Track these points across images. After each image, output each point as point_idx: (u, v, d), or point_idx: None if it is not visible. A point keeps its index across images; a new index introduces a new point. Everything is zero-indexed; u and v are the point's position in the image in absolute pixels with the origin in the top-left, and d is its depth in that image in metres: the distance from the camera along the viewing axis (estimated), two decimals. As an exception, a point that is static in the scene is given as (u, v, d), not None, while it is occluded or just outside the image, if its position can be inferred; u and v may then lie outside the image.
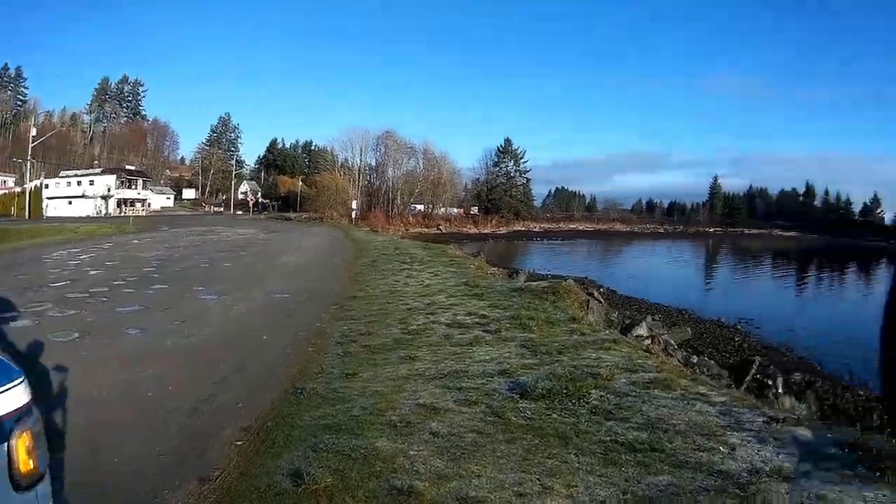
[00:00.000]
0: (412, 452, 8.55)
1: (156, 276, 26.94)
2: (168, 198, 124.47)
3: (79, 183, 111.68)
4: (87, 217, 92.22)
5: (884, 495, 7.02)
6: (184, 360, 13.65)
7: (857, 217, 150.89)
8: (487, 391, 11.28)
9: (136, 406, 10.57)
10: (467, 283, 27.12)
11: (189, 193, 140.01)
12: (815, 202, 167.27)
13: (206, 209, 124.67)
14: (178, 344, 14.97)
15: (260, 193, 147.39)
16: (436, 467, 8.10)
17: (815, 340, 41.21)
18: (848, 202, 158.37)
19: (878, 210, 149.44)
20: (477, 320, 18.28)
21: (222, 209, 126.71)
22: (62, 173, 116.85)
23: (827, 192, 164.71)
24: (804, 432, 9.14)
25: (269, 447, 9.00)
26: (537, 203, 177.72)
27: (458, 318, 18.73)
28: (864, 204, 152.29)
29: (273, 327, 17.43)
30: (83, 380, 11.37)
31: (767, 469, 7.84)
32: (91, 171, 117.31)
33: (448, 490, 7.45)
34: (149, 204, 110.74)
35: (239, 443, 9.26)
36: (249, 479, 7.93)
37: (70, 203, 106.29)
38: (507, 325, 17.20)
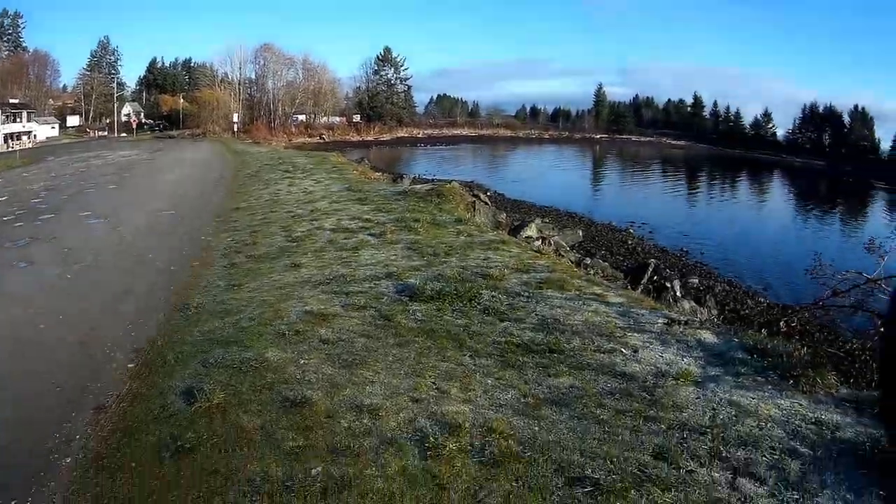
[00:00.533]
0: (302, 361, 8.50)
1: (43, 206, 25.41)
2: (53, 127, 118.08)
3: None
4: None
5: (800, 404, 7.07)
6: (71, 289, 13.12)
7: (748, 131, 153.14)
8: (375, 295, 11.23)
9: (28, 342, 10.11)
10: (350, 188, 26.88)
11: (73, 121, 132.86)
12: (704, 113, 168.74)
13: (91, 135, 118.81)
14: (65, 273, 14.30)
15: (143, 114, 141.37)
16: (327, 375, 8.07)
17: (711, 246, 42.16)
18: (738, 116, 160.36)
19: (770, 125, 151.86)
20: (362, 224, 18.16)
21: (106, 133, 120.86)
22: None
23: (716, 105, 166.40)
24: (709, 336, 9.22)
25: (161, 367, 8.81)
26: (420, 110, 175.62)
27: (343, 223, 18.59)
28: (756, 118, 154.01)
29: (158, 246, 16.91)
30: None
31: (673, 372, 7.94)
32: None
33: (342, 399, 7.43)
34: (34, 136, 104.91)
35: (131, 366, 9.03)
36: (144, 403, 7.75)
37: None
38: (393, 228, 17.11)
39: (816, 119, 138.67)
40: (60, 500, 6.01)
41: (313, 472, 5.99)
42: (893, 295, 6.11)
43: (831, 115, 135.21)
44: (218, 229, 18.96)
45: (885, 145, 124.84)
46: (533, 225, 26.18)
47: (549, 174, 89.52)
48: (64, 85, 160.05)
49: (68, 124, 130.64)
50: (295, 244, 15.98)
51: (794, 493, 5.51)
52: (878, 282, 9.45)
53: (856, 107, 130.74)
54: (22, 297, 12.46)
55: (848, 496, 5.45)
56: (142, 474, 6.25)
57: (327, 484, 5.77)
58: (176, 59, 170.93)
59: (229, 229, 18.82)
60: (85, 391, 8.29)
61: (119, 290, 12.70)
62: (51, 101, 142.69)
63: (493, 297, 10.88)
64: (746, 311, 24.94)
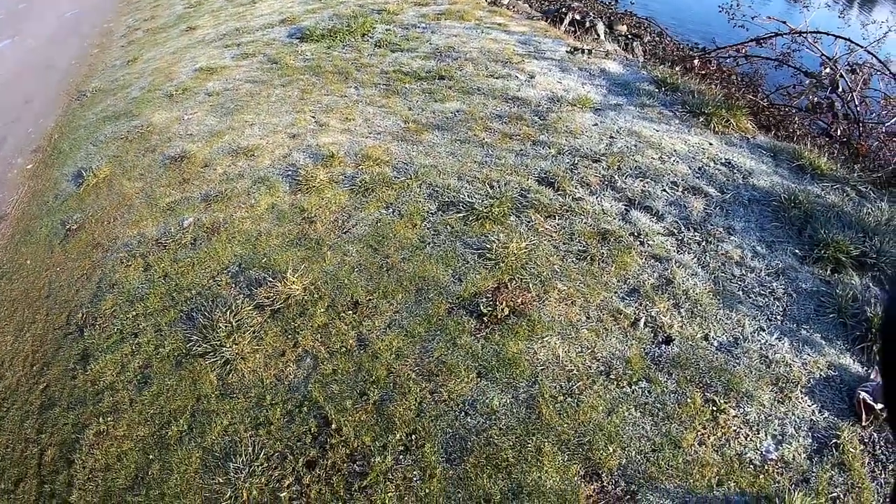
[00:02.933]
0: (186, 117, 7.81)
1: None
2: None
3: None
4: None
5: (710, 143, 6.31)
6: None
7: None
8: (266, 41, 10.32)
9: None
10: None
11: None
12: None
13: None
14: None
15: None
16: (209, 126, 7.42)
17: None
18: None
19: None
20: (258, -24, 16.83)
21: None
22: None
23: None
24: (614, 66, 8.25)
25: (56, 158, 8.04)
26: None
27: (239, -22, 17.23)
28: None
29: (61, 46, 15.47)
30: None
31: (570, 98, 7.16)
32: None
33: (220, 146, 6.82)
34: None
35: (29, 167, 8.27)
36: (38, 199, 7.08)
37: None
38: (288, -27, 15.86)
39: None
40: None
41: (185, 223, 5.53)
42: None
43: None
44: (119, 13, 17.30)
45: None
46: None
47: None
48: None
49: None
50: (192, 9, 14.65)
51: (695, 233, 4.95)
52: (804, 34, 8.25)
53: None
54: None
55: (758, 247, 4.84)
56: (36, 269, 5.87)
57: (198, 234, 5.41)
58: None
59: (131, 11, 17.22)
60: None
61: (23, 100, 12.01)
62: None
63: (387, 30, 9.97)
64: (670, 56, 23.12)
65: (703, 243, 4.88)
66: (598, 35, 20.64)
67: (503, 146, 6.29)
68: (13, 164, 8.75)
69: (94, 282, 5.27)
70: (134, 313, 4.74)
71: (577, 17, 21.71)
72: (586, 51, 8.83)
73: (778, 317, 4.23)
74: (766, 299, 4.37)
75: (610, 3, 36.14)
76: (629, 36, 25.93)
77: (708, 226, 5.07)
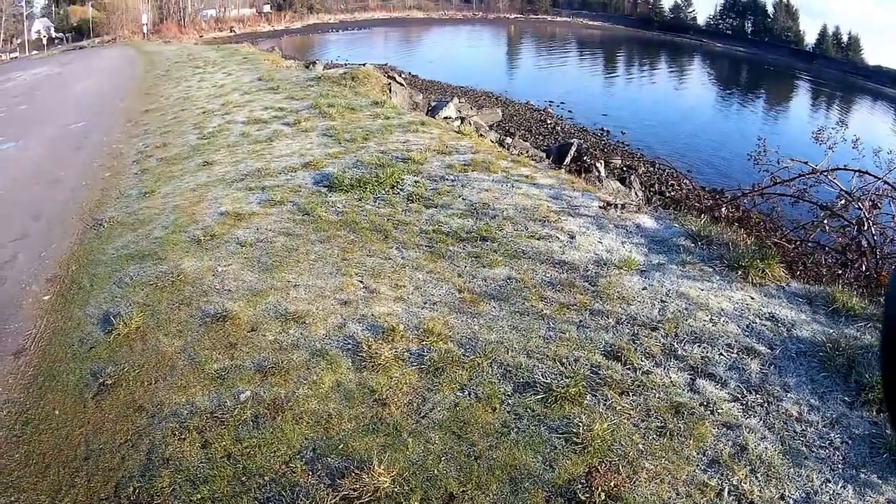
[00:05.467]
0: (221, 269, 7.80)
1: None
2: None
3: None
4: None
5: (752, 298, 6.66)
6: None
7: (667, 14, 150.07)
8: (293, 188, 10.48)
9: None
10: (261, 77, 25.43)
11: None
12: None
13: (3, 58, 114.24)
14: None
15: (52, 29, 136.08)
16: (248, 283, 7.40)
17: (632, 127, 42.01)
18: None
19: (690, 9, 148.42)
20: (275, 114, 17.17)
21: (17, 54, 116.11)
22: None
23: None
24: (648, 220, 8.66)
25: (76, 294, 7.94)
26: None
27: (255, 114, 17.53)
28: (675, 2, 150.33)
29: (69, 161, 15.61)
30: None
31: (615, 260, 7.45)
32: None
33: (265, 308, 6.79)
34: None
35: (46, 297, 8.09)
36: (62, 338, 6.92)
37: None
38: (307, 116, 16.22)
39: (739, 7, 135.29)
40: (-15, 465, 5.50)
41: (242, 397, 5.39)
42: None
43: (755, 4, 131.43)
44: (129, 134, 17.60)
45: (811, 38, 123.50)
46: (451, 105, 25.21)
47: (464, 54, 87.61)
48: None
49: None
50: (207, 141, 14.89)
51: (758, 396, 5.19)
52: (825, 172, 9.14)
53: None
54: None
55: (812, 400, 5.13)
56: (67, 422, 5.68)
57: (258, 410, 5.29)
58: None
59: (140, 133, 17.47)
60: (3, 334, 7.35)
61: (30, 216, 11.74)
62: None
63: (416, 182, 10.23)
64: (673, 193, 24.21)
65: (766, 404, 5.14)
66: (600, 172, 21.75)
67: (562, 318, 6.40)
68: (28, 291, 8.64)
69: (142, 452, 5.08)
70: (199, 497, 4.57)
71: (578, 155, 22.66)
72: (619, 206, 9.23)
73: (839, 465, 4.54)
74: (827, 450, 4.67)
75: (601, 135, 37.81)
76: (624, 168, 27.20)
77: (766, 385, 5.35)
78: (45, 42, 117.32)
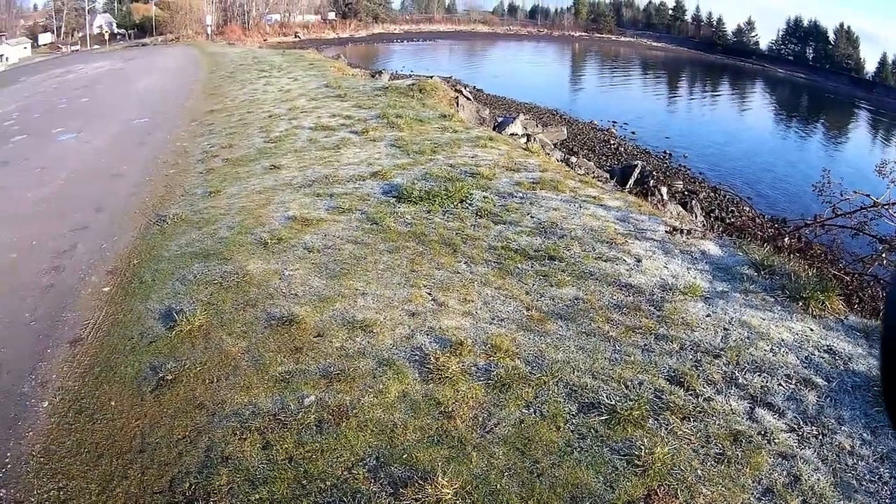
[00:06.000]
0: (287, 273, 7.84)
1: (15, 128, 23.86)
2: (25, 48, 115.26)
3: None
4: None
5: (811, 329, 6.63)
6: (44, 210, 12.23)
7: (730, 38, 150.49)
8: (361, 196, 10.53)
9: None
10: (329, 85, 25.75)
11: (45, 38, 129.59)
12: (686, 17, 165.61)
13: (64, 51, 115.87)
14: (37, 195, 13.35)
15: (115, 24, 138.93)
16: (315, 288, 7.41)
17: (694, 150, 41.66)
18: (720, 21, 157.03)
19: (753, 34, 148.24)
20: (342, 122, 17.34)
21: (79, 47, 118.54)
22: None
23: (698, 10, 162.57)
24: (713, 247, 8.65)
25: (137, 288, 8.06)
26: (396, 6, 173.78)
27: (322, 121, 17.73)
28: (738, 26, 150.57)
29: (132, 156, 16.04)
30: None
31: (680, 286, 7.42)
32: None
33: (332, 314, 6.80)
34: (6, 58, 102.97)
35: (106, 289, 8.25)
36: (120, 330, 7.03)
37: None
38: (375, 125, 16.34)
39: (801, 33, 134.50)
40: (40, 449, 5.46)
41: (306, 401, 5.37)
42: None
43: (816, 30, 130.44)
44: (193, 134, 18.01)
45: (870, 66, 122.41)
46: (518, 121, 25.47)
47: (529, 71, 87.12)
48: (34, 4, 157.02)
49: (40, 42, 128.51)
50: (274, 145, 15.12)
51: (813, 427, 5.18)
52: (886, 206, 9.16)
53: (841, 25, 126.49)
54: (-5, 224, 11.60)
55: (865, 434, 5.13)
56: (123, 414, 5.65)
57: (322, 415, 5.21)
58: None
59: (205, 133, 17.86)
60: (59, 323, 7.50)
61: (92, 208, 11.89)
62: (21, 22, 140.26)
63: (484, 197, 10.24)
64: (732, 220, 24.60)
65: (820, 436, 5.12)
66: (662, 196, 21.39)
67: (628, 340, 6.37)
68: (87, 282, 8.80)
69: (200, 449, 5.10)
70: (257, 497, 4.57)
71: (641, 178, 22.53)
72: (684, 231, 9.20)
73: (886, 500, 4.53)
74: (876, 485, 4.66)
75: (664, 157, 37.52)
76: (686, 192, 26.96)
77: (822, 417, 5.34)
78: (106, 37, 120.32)
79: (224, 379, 5.90)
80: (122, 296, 8.03)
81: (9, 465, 5.13)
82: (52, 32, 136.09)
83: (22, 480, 4.93)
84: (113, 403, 5.83)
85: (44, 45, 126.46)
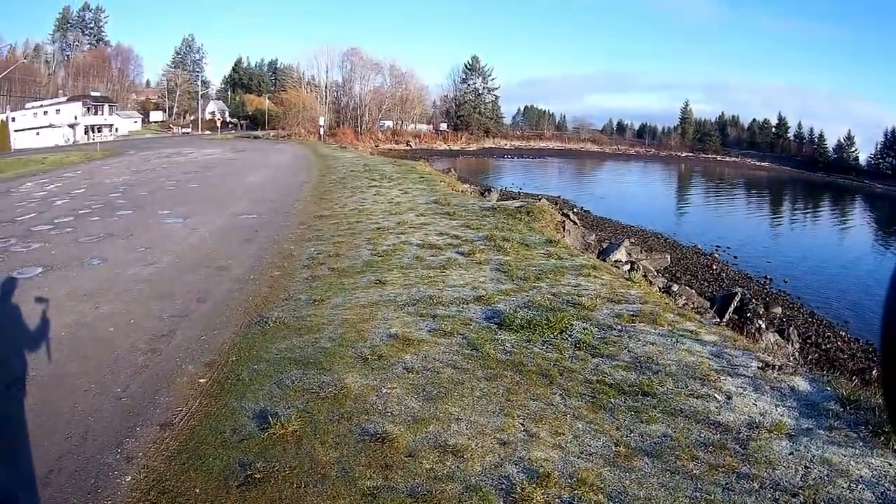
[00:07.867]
0: (385, 390, 8.17)
1: (121, 201, 25.88)
2: (135, 121, 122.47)
3: (45, 113, 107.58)
4: (55, 146, 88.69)
5: (890, 464, 6.64)
6: (145, 291, 13.03)
7: (830, 154, 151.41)
8: (463, 320, 10.89)
9: (95, 346, 9.95)
10: (438, 201, 26.65)
11: (156, 116, 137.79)
12: (789, 135, 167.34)
13: (174, 131, 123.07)
14: (139, 274, 14.33)
15: (227, 112, 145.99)
16: (411, 409, 7.73)
17: (794, 274, 41.99)
18: (821, 138, 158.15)
19: (853, 149, 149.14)
20: (449, 241, 17.89)
21: (189, 130, 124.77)
22: (28, 105, 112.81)
23: (800, 126, 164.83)
24: (802, 383, 8.76)
25: (234, 384, 8.57)
26: (506, 121, 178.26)
27: (430, 238, 18.33)
28: (839, 141, 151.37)
29: (238, 251, 16.93)
30: (52, 315, 10.65)
31: (767, 424, 7.48)
32: (56, 100, 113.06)
33: (425, 436, 7.09)
34: (116, 129, 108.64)
35: (202, 380, 8.80)
36: (213, 423, 7.48)
37: (38, 134, 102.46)
38: (481, 247, 16.82)
39: None
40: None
41: (393, 519, 5.60)
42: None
43: None
44: (301, 237, 18.91)
45: None
46: (622, 248, 26.12)
47: (636, 191, 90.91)
48: (147, 80, 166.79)
49: (151, 119, 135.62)
50: (380, 259, 15.71)
51: None
52: None
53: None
54: (92, 297, 12.46)
55: None
56: (206, 502, 5.93)
57: (405, 534, 5.38)
58: (262, 60, 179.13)
59: (313, 238, 18.74)
60: (151, 404, 8.05)
61: (194, 297, 12.62)
62: (133, 96, 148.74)
63: (584, 329, 10.45)
64: (828, 346, 25.47)
65: None
66: (760, 324, 21.27)
67: (710, 478, 6.40)
68: (183, 370, 9.34)
69: (282, 551, 5.21)
70: None
71: (740, 306, 22.64)
72: (777, 367, 9.19)
73: None
74: None
75: (764, 283, 37.19)
76: (783, 319, 26.75)
77: None
78: (218, 124, 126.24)
79: (312, 486, 6.21)
80: (217, 390, 8.52)
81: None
82: (164, 111, 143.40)
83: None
84: (197, 491, 6.23)
85: (154, 122, 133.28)
